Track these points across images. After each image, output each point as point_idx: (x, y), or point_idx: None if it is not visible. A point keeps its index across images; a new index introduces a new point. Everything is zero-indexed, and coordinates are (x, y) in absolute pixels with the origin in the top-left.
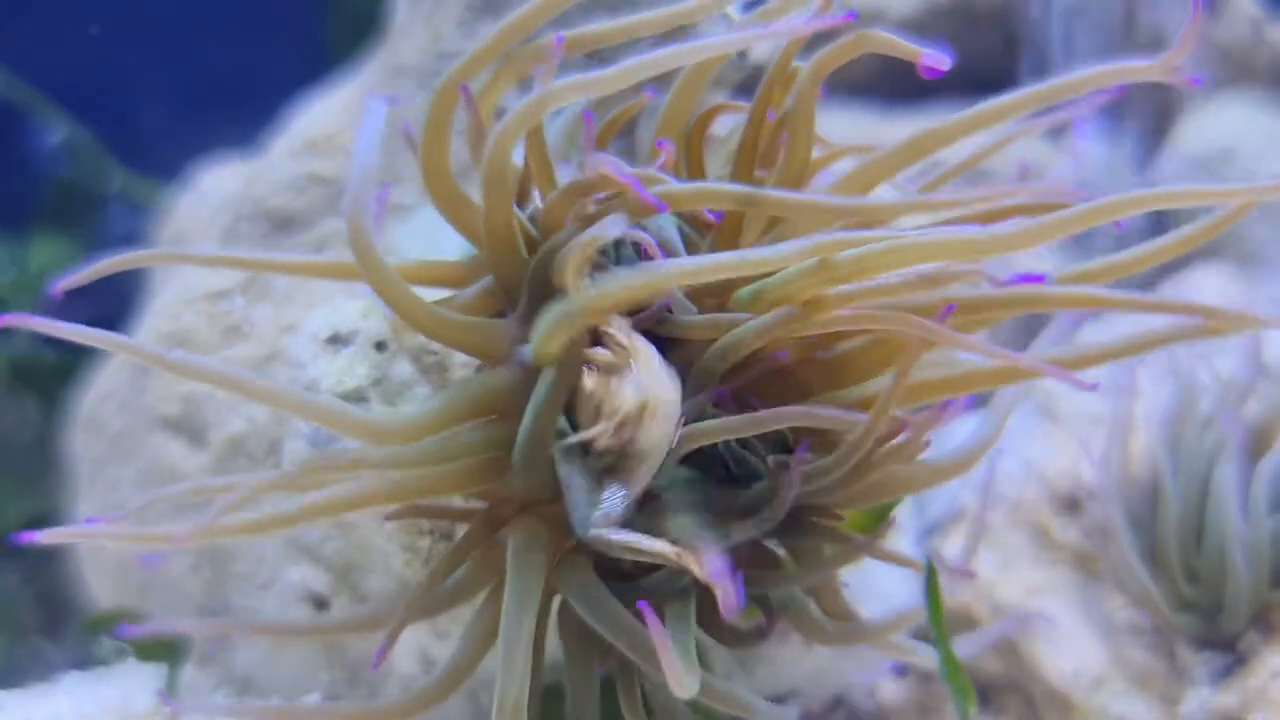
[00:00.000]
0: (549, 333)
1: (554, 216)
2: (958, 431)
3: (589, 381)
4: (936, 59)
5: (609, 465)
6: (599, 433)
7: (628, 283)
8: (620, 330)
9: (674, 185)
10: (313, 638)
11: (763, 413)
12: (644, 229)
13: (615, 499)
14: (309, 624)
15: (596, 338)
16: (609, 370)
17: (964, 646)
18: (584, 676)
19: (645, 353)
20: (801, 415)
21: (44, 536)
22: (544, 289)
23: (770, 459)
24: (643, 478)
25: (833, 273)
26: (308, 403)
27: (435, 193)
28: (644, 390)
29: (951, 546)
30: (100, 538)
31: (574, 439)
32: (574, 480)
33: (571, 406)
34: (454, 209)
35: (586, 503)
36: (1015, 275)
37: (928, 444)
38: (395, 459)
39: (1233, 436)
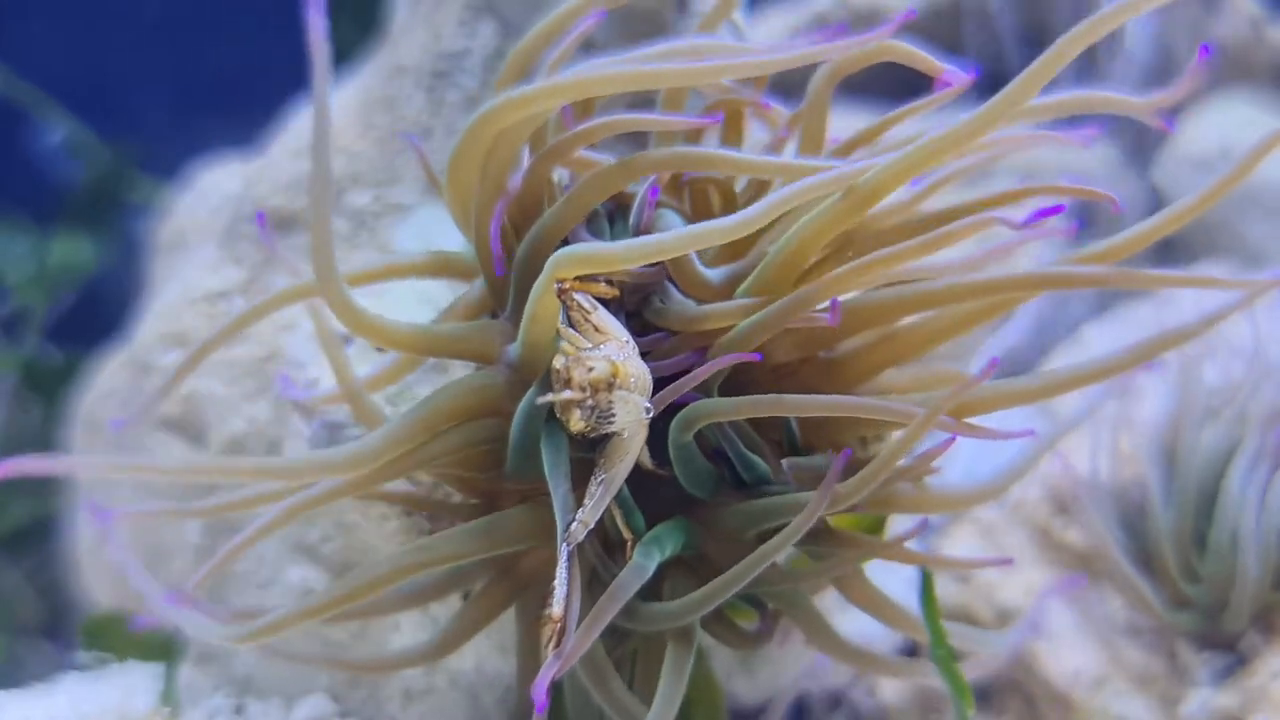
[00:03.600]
0: (529, 316)
1: (523, 208)
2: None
3: (558, 361)
4: (956, 76)
5: (597, 451)
6: (570, 399)
7: (583, 253)
8: (584, 298)
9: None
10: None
11: (789, 397)
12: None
13: (590, 505)
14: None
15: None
16: (576, 346)
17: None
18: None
19: (610, 323)
20: (829, 405)
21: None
22: (529, 284)
23: (785, 462)
24: (629, 460)
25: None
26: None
27: (458, 214)
28: (612, 359)
29: (953, 546)
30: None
31: (545, 399)
32: (557, 486)
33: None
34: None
35: (564, 509)
36: None
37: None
38: (391, 443)
39: (1252, 440)
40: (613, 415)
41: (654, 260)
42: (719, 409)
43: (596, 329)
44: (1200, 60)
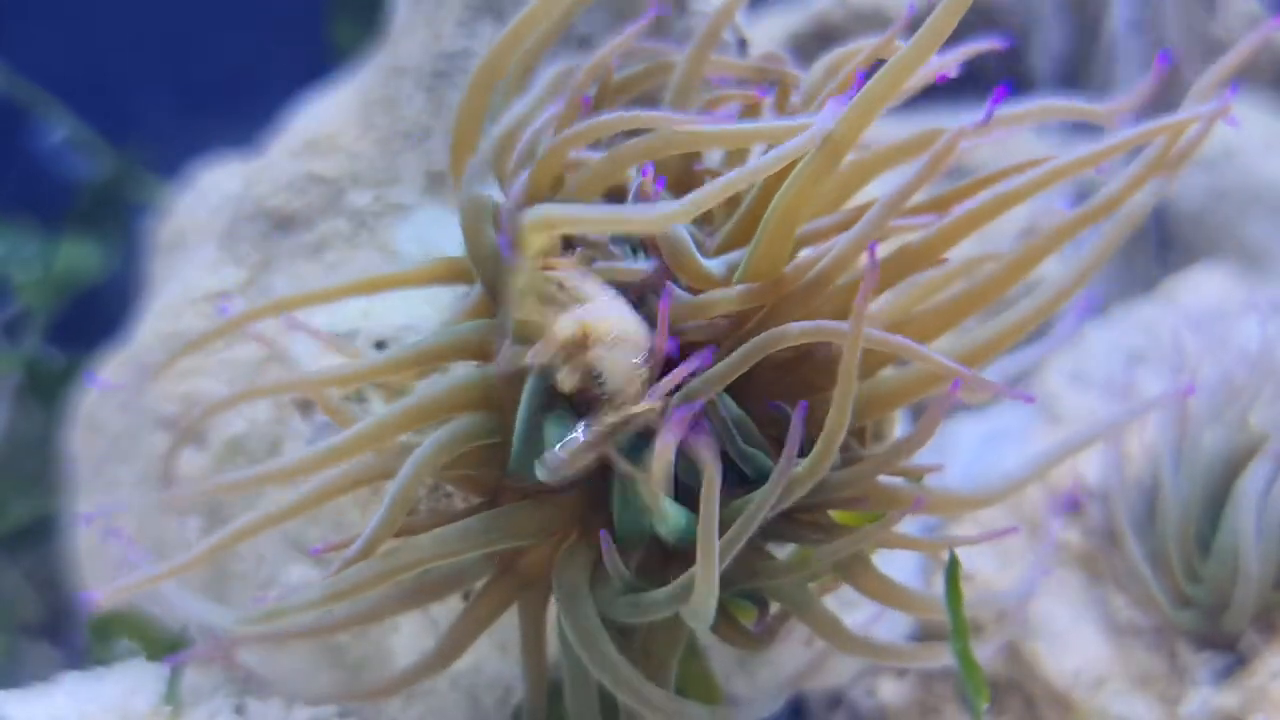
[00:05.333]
0: (517, 297)
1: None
2: (965, 436)
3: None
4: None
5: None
6: (542, 357)
7: (564, 212)
8: (569, 274)
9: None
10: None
11: (759, 338)
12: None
13: (575, 434)
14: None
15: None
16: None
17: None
18: (583, 674)
19: (598, 293)
20: (801, 333)
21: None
22: None
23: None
24: (630, 422)
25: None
26: None
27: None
28: (582, 317)
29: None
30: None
31: (526, 359)
32: (549, 433)
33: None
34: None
35: (552, 441)
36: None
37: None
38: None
39: (1275, 443)
40: (601, 375)
41: (630, 229)
42: (713, 376)
43: (576, 298)
44: (1159, 65)
